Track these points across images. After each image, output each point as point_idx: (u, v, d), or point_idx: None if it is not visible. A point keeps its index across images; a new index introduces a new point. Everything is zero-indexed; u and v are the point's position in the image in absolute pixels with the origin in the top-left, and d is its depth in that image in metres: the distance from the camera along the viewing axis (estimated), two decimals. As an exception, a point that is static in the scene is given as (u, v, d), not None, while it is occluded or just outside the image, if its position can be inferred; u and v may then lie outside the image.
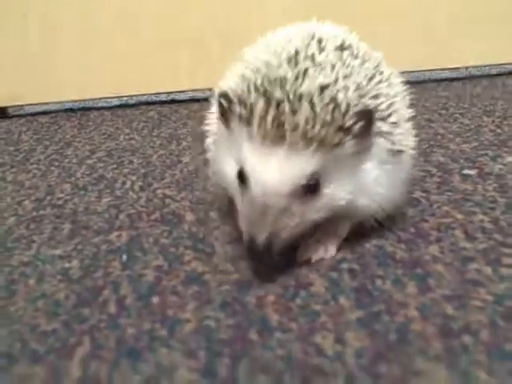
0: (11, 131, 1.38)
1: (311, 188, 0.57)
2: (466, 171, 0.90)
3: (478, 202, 0.76)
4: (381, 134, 0.61)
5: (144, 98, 1.69)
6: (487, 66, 1.68)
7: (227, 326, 0.53)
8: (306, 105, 0.55)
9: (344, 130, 0.56)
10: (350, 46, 0.67)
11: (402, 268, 0.61)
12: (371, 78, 0.63)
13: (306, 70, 0.59)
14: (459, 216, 0.72)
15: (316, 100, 0.56)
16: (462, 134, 1.10)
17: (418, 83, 1.56)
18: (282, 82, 0.58)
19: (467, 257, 0.62)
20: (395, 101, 0.65)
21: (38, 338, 0.54)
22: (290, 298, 0.57)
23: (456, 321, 0.51)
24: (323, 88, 0.57)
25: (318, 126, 0.55)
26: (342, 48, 0.66)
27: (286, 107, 0.55)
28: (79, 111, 1.56)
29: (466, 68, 1.70)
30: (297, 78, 0.58)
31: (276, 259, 0.57)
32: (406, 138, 0.65)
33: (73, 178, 1.00)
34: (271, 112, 0.56)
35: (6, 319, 0.57)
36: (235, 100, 0.59)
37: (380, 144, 0.61)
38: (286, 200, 0.56)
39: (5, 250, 0.73)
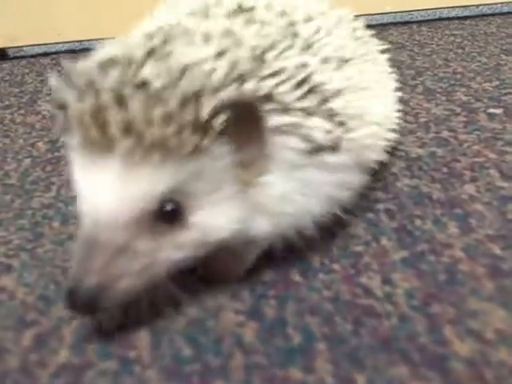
0: (14, 73, 1.34)
1: (168, 216, 0.41)
2: (491, 110, 0.87)
3: (508, 141, 0.74)
4: (287, 129, 0.43)
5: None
6: (499, 3, 1.63)
7: (268, 268, 0.51)
8: (140, 95, 0.39)
9: (200, 128, 0.39)
10: (252, 9, 0.52)
11: (441, 208, 0.59)
12: (271, 47, 0.46)
13: (161, 47, 0.43)
14: (492, 155, 0.70)
15: (158, 88, 0.39)
16: (482, 73, 1.07)
17: (428, 21, 1.52)
18: (119, 62, 0.41)
19: (505, 196, 0.61)
20: (320, 71, 0.48)
21: (72, 280, 0.52)
22: (328, 239, 0.55)
23: (505, 261, 0.50)
24: (175, 71, 0.40)
25: (157, 126, 0.38)
26: (238, 12, 0.51)
27: (110, 99, 0.39)
28: (81, 52, 1.50)
29: (477, 6, 1.66)
30: (147, 56, 0.42)
31: (106, 313, 0.43)
32: (339, 127, 0.47)
33: (84, 120, 0.97)
34: (90, 107, 0.40)
35: (37, 261, 0.56)
36: (58, 101, 0.43)
37: (285, 145, 0.44)
38: (125, 234, 0.40)
39: (24, 192, 0.71)
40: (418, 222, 0.57)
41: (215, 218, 0.42)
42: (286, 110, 0.43)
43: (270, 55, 0.45)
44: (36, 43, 1.50)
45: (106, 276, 0.40)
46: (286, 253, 0.51)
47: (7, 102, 1.10)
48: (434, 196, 0.62)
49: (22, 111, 1.03)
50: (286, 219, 0.46)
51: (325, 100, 0.46)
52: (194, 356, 0.42)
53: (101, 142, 0.40)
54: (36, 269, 0.55)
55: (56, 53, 1.51)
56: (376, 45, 0.68)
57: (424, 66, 1.10)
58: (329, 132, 0.45)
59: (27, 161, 0.81)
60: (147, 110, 0.38)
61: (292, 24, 0.52)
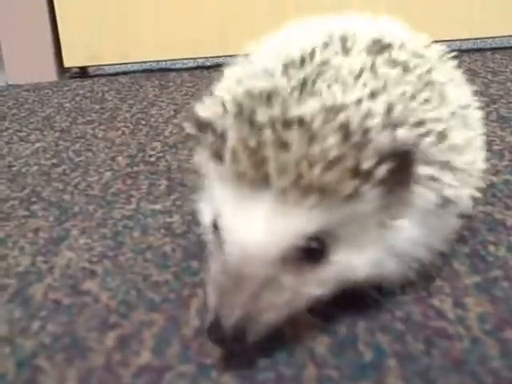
0: (94, 90, 1.40)
1: (312, 253, 0.42)
2: None
3: None
4: (424, 180, 0.44)
5: (220, 60, 1.69)
6: None
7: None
8: (300, 134, 0.40)
9: (362, 174, 0.40)
10: (389, 46, 0.50)
11: (516, 235, 0.59)
12: (414, 96, 0.46)
13: (311, 82, 0.43)
14: None
15: (317, 128, 0.40)
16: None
17: (502, 49, 1.50)
18: (271, 97, 0.42)
19: None
20: (451, 127, 0.47)
21: (152, 287, 0.55)
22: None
23: None
24: (334, 110, 0.41)
25: (318, 168, 0.39)
26: (377, 49, 0.49)
27: (270, 137, 0.40)
28: (158, 72, 1.56)
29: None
30: (294, 92, 0.42)
31: (249, 347, 0.42)
32: (464, 183, 0.48)
33: (161, 137, 1.01)
34: (249, 143, 0.40)
35: (118, 268, 0.59)
36: (206, 123, 0.44)
37: (422, 195, 0.44)
38: (272, 269, 0.41)
39: (106, 203, 0.75)
40: (491, 248, 0.57)
41: (356, 259, 0.43)
42: (427, 162, 0.44)
43: (414, 104, 0.45)
44: (116, 62, 1.57)
45: (251, 309, 0.40)
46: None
47: (89, 118, 1.16)
48: (508, 223, 0.61)
49: (102, 127, 1.09)
50: (414, 261, 0.47)
51: (459, 154, 0.47)
52: (268, 365, 0.44)
53: (255, 178, 0.40)
54: (118, 275, 0.58)
55: (134, 72, 1.58)
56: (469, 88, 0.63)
57: (498, 93, 1.09)
58: (454, 188, 0.46)
59: (108, 174, 0.85)
60: (308, 152, 0.39)
61: (429, 71, 0.50)
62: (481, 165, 0.53)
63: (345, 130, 0.40)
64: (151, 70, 1.56)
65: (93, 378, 0.44)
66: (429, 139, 0.44)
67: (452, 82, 0.53)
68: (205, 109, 0.45)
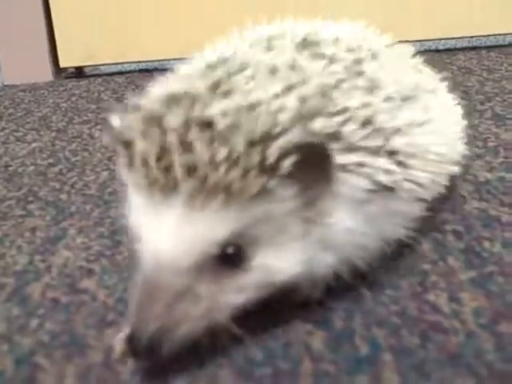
0: (90, 90, 1.40)
1: (229, 260, 0.41)
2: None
3: None
4: (351, 168, 0.43)
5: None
6: None
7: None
8: (204, 135, 0.39)
9: (267, 170, 0.39)
10: (319, 43, 0.51)
11: (510, 231, 0.59)
12: (337, 85, 0.46)
13: (226, 82, 0.43)
14: None
15: (223, 128, 0.39)
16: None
17: (497, 47, 1.50)
18: (179, 100, 0.41)
19: None
20: (384, 111, 0.47)
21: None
22: (394, 257, 0.56)
23: None
24: (243, 109, 0.40)
25: (222, 168, 0.38)
26: (305, 45, 0.50)
27: (175, 140, 0.39)
28: (154, 72, 1.57)
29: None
30: (205, 93, 0.42)
31: (167, 357, 0.41)
32: (410, 167, 0.48)
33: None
34: (155, 148, 0.40)
35: (115, 267, 0.59)
36: (117, 133, 0.43)
37: (350, 184, 0.44)
38: (186, 278, 0.40)
39: (103, 202, 0.75)
40: (486, 243, 0.57)
41: (279, 261, 0.42)
42: (351, 149, 0.43)
43: (335, 93, 0.45)
44: (111, 62, 1.57)
45: (167, 321, 0.40)
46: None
47: (85, 118, 1.16)
48: (503, 219, 0.62)
49: (99, 127, 1.09)
50: (351, 252, 0.46)
51: (387, 139, 0.46)
52: (265, 360, 0.44)
53: (163, 183, 0.39)
54: (115, 273, 0.58)
55: (130, 72, 1.58)
56: (437, 77, 0.67)
57: (493, 91, 1.10)
58: (390, 173, 0.46)
59: (105, 173, 0.86)
60: (212, 152, 0.38)
61: (358, 62, 0.51)
62: (438, 149, 0.52)
63: (251, 128, 0.39)
64: (148, 70, 1.56)
65: (91, 374, 0.44)
66: (351, 126, 0.43)
67: (390, 69, 0.53)
68: (116, 118, 0.44)
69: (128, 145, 0.42)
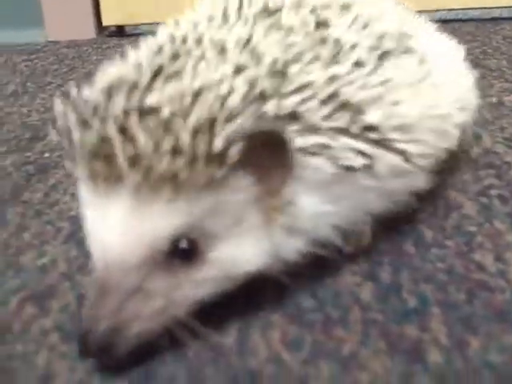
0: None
1: (184, 254, 0.39)
2: None
3: None
4: (309, 149, 0.40)
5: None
6: None
7: (382, 239, 0.54)
8: (147, 125, 0.36)
9: (214, 159, 0.36)
10: (279, 8, 0.47)
11: (556, 198, 0.60)
12: (294, 60, 0.42)
13: (171, 65, 0.40)
14: None
15: (167, 115, 0.36)
16: None
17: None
18: (125, 85, 0.39)
19: None
20: (346, 82, 0.43)
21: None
22: (441, 218, 0.57)
23: None
24: (188, 94, 0.37)
25: (166, 158, 0.36)
26: (262, 14, 0.46)
27: (116, 130, 0.37)
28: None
29: None
30: (154, 77, 0.39)
31: (121, 357, 0.39)
32: (373, 144, 0.43)
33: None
34: (94, 139, 0.37)
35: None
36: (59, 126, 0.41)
37: (313, 167, 0.40)
38: (137, 275, 0.38)
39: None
40: (531, 207, 0.58)
41: (239, 252, 0.40)
42: (312, 129, 0.40)
43: (293, 69, 0.41)
44: (151, 22, 1.58)
45: (117, 320, 0.38)
46: (400, 225, 0.54)
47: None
48: (548, 186, 0.62)
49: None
50: (323, 232, 0.44)
51: (358, 113, 0.42)
52: (315, 307, 0.46)
53: (107, 175, 0.37)
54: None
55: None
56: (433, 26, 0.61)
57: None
58: (361, 153, 0.42)
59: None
60: (155, 142, 0.36)
61: (323, 23, 0.46)
62: (420, 112, 0.47)
63: (197, 115, 0.36)
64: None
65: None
66: (312, 104, 0.40)
67: (363, 23, 0.48)
68: (58, 109, 0.41)
69: (69, 136, 0.39)
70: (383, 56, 0.46)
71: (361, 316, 0.45)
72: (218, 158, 0.36)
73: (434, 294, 0.46)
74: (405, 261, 0.51)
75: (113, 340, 0.38)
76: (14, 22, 1.58)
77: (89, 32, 1.56)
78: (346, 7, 0.49)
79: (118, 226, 0.37)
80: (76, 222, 0.60)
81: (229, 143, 0.36)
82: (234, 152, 0.36)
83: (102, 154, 0.37)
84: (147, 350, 0.41)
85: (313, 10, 0.48)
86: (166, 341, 0.40)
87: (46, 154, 0.79)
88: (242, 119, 0.36)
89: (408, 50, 0.49)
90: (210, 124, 0.36)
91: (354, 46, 0.45)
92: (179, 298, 0.39)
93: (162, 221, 0.37)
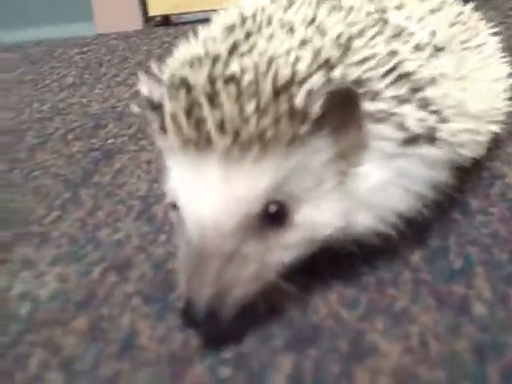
0: (179, 37, 1.45)
1: (273, 217, 0.41)
2: None
3: None
4: (375, 116, 0.43)
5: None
6: None
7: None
8: (231, 90, 0.39)
9: (297, 116, 0.39)
10: None
11: None
12: (358, 35, 0.45)
13: (246, 39, 0.43)
14: None
15: (248, 81, 0.39)
16: None
17: None
18: (206, 59, 0.42)
19: None
20: (407, 58, 0.45)
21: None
22: (486, 187, 0.60)
23: None
24: (262, 63, 0.40)
25: (252, 120, 0.38)
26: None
27: (203, 96, 0.39)
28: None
29: None
30: (231, 52, 0.42)
31: (226, 325, 0.41)
32: (442, 119, 0.46)
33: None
34: (183, 107, 0.40)
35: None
36: (147, 100, 0.44)
37: (380, 134, 0.43)
38: (233, 241, 0.40)
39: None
40: None
41: (320, 214, 0.42)
42: (376, 96, 0.42)
43: (356, 43, 0.44)
44: (198, 10, 1.62)
45: (219, 286, 0.39)
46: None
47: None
48: None
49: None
50: (385, 212, 0.45)
51: (418, 89, 0.45)
52: (369, 271, 0.50)
53: (197, 141, 0.39)
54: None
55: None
56: (486, 29, 0.63)
57: None
58: (422, 120, 0.44)
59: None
60: (240, 106, 0.38)
61: (382, 10, 0.49)
62: (477, 104, 0.51)
63: (273, 79, 0.39)
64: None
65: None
66: (374, 73, 0.43)
67: (418, 18, 0.51)
68: (143, 85, 0.44)
69: (157, 108, 0.42)
70: (438, 49, 0.50)
71: (411, 277, 0.49)
72: (300, 116, 0.39)
73: (479, 256, 0.50)
74: (452, 227, 0.55)
75: (217, 306, 0.39)
76: (65, 17, 1.65)
77: (136, 23, 1.62)
78: (399, 7, 0.52)
79: (211, 193, 0.39)
80: (145, 201, 0.66)
81: (309, 100, 0.39)
82: (315, 108, 0.39)
83: (192, 120, 0.39)
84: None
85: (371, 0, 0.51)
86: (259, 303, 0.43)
87: (110, 141, 0.85)
88: (316, 79, 0.39)
89: (454, 52, 0.52)
90: (287, 86, 0.39)
91: (412, 34, 0.48)
92: (271, 261, 0.41)
93: (252, 182, 0.39)
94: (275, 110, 0.38)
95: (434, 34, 0.50)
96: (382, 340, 0.43)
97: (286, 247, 0.42)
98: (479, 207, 0.57)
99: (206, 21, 0.52)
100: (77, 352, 0.45)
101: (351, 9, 0.48)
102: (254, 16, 0.47)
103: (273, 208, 0.40)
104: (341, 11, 0.48)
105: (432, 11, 0.54)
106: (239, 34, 0.44)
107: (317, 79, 0.39)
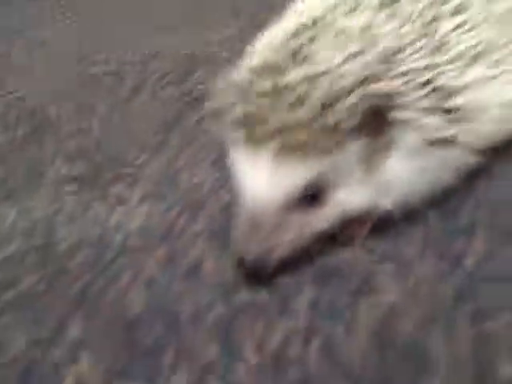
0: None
1: (311, 198, 0.51)
2: None
3: None
4: (403, 123, 0.50)
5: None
6: None
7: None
8: (285, 99, 0.47)
9: (338, 128, 0.47)
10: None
11: None
12: (402, 49, 0.51)
13: (305, 49, 0.50)
14: None
15: (299, 93, 0.47)
16: None
17: None
18: (266, 68, 0.50)
19: None
20: (444, 70, 0.51)
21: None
22: None
23: None
24: (314, 76, 0.48)
25: (302, 127, 0.47)
26: (387, 3, 0.54)
27: (266, 104, 0.48)
28: None
29: None
30: (293, 60, 0.49)
31: (270, 278, 0.53)
32: (457, 121, 0.52)
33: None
34: (251, 110, 0.49)
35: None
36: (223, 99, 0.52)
37: (403, 136, 0.50)
38: (278, 214, 0.50)
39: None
40: None
41: (350, 197, 0.51)
42: (407, 107, 0.49)
43: (399, 56, 0.50)
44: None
45: (264, 247, 0.50)
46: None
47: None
48: None
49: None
50: (405, 198, 0.53)
51: (446, 98, 0.51)
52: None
53: (259, 139, 0.48)
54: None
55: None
56: None
57: None
58: (444, 128, 0.51)
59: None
60: (293, 114, 0.46)
61: (435, 19, 0.54)
62: (506, 96, 0.55)
63: (322, 93, 0.46)
64: None
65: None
66: (409, 87, 0.49)
67: (470, 26, 0.54)
68: (220, 86, 0.52)
69: (229, 107, 0.50)
70: (477, 56, 0.54)
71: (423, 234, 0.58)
72: (341, 128, 0.47)
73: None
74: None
75: (264, 261, 0.50)
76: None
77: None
78: (455, 13, 0.56)
79: (264, 178, 0.49)
80: (222, 150, 0.75)
81: (348, 115, 0.47)
82: (353, 122, 0.47)
83: (254, 121, 0.48)
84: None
85: (431, 4, 0.55)
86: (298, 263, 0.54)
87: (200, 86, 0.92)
88: (355, 96, 0.47)
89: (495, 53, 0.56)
90: (333, 100, 0.47)
91: (454, 45, 0.53)
92: (308, 231, 0.52)
93: (297, 174, 0.48)
94: (321, 121, 0.47)
95: (480, 42, 0.54)
96: (385, 281, 0.54)
97: (320, 221, 0.52)
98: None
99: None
100: (156, 274, 0.59)
101: (409, 16, 0.53)
102: (313, 22, 0.53)
103: (312, 190, 0.50)
104: (398, 19, 0.53)
105: (485, 18, 0.56)
106: (303, 40, 0.51)
107: (358, 94, 0.47)
